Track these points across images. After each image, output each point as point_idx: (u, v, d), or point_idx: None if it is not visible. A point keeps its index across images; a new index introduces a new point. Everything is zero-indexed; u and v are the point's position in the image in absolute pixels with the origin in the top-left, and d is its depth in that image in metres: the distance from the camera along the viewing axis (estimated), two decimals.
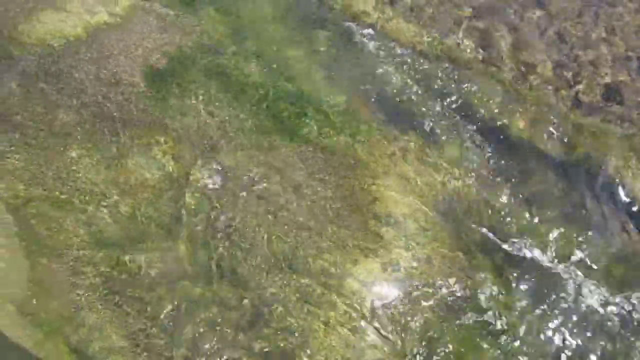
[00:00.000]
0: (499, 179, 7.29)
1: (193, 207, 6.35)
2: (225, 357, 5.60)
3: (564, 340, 6.09)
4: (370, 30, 8.08)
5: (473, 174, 7.26)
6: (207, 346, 5.62)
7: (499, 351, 5.96)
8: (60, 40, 7.29)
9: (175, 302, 5.88)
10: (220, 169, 6.59)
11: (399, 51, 7.95)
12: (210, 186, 6.48)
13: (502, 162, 7.40)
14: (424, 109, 7.60)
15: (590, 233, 6.86)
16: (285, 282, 6.06)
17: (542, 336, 6.09)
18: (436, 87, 7.81)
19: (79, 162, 6.46)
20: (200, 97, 7.08)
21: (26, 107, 6.79)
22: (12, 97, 6.85)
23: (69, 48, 7.26)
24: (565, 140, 7.65)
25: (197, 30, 7.64)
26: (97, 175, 6.39)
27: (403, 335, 5.90)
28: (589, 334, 6.12)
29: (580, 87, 7.98)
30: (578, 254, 6.79)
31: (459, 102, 7.75)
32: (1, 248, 5.85)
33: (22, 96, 6.88)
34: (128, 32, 7.52)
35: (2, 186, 6.22)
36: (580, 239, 6.81)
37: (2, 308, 5.59)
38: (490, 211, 7.04)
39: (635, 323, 6.22)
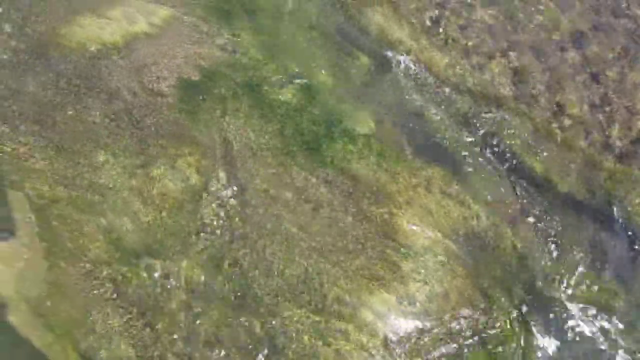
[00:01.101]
0: (522, 217, 7.18)
1: (211, 222, 6.34)
2: None
3: None
4: (404, 59, 8.07)
5: (496, 210, 7.15)
6: None
7: None
8: (98, 46, 7.41)
9: (185, 317, 5.85)
10: (242, 186, 6.58)
11: (431, 81, 7.92)
12: (231, 202, 6.47)
13: (527, 200, 7.29)
14: (451, 141, 7.54)
15: (610, 277, 6.72)
16: (298, 306, 5.99)
17: None
18: (466, 120, 7.74)
19: (105, 167, 6.50)
20: (229, 113, 7.11)
21: (59, 109, 6.88)
22: (46, 97, 6.95)
23: (106, 54, 7.37)
24: (592, 183, 7.51)
25: (232, 46, 7.70)
26: (121, 182, 6.43)
27: None
28: None
29: (612, 131, 7.84)
30: (598, 299, 6.65)
31: (488, 137, 7.67)
32: (22, 246, 5.89)
33: (56, 97, 6.98)
34: (164, 43, 7.61)
35: (29, 185, 6.29)
36: (603, 284, 6.66)
37: (17, 306, 5.61)
38: (511, 249, 6.92)
39: None
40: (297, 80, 7.57)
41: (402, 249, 6.47)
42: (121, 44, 7.51)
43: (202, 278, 6.05)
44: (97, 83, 7.14)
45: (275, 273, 6.16)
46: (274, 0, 8.38)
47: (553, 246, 6.96)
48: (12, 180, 6.28)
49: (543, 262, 6.88)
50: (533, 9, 8.98)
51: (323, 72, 7.74)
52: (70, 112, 6.87)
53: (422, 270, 6.40)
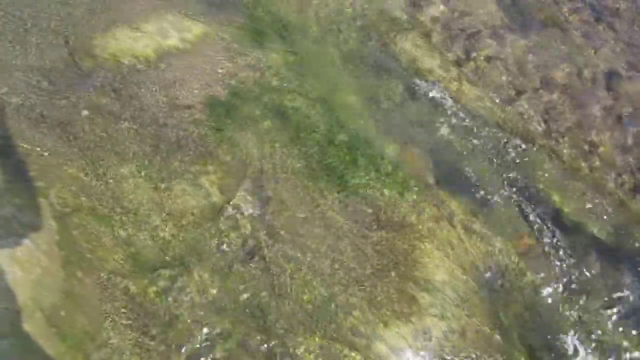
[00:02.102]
0: (545, 257, 7.01)
1: (231, 241, 6.31)
2: None
3: None
4: (432, 88, 8.02)
5: (519, 248, 7.01)
6: None
7: None
8: (131, 58, 7.50)
9: (199, 335, 5.79)
10: (263, 207, 6.56)
11: (459, 113, 7.84)
12: (251, 223, 6.44)
13: (552, 240, 7.12)
14: (476, 174, 7.43)
15: (634, 328, 6.51)
16: (311, 332, 5.90)
17: None
18: (492, 154, 7.64)
19: (129, 180, 6.53)
20: (255, 133, 7.11)
21: (88, 119, 6.95)
22: (76, 107, 7.03)
23: (137, 67, 7.46)
24: (620, 227, 7.33)
25: (262, 66, 7.73)
26: (143, 196, 6.44)
27: None
28: None
29: None
30: (619, 348, 6.44)
31: (514, 172, 7.55)
32: (41, 254, 5.91)
33: (85, 107, 7.06)
34: (195, 59, 7.68)
35: (53, 192, 6.32)
36: (624, 333, 6.45)
37: (32, 314, 5.60)
38: (533, 292, 6.75)
39: None
40: (325, 103, 7.56)
41: (421, 282, 6.35)
42: (153, 58, 7.59)
43: (218, 297, 6.00)
44: (127, 95, 7.21)
45: (291, 297, 6.08)
46: (306, 23, 8.42)
47: (576, 290, 6.77)
48: (37, 186, 6.33)
49: (564, 306, 6.70)
50: (564, 45, 8.89)
51: (351, 96, 7.72)
52: (98, 123, 6.94)
53: (440, 305, 6.27)
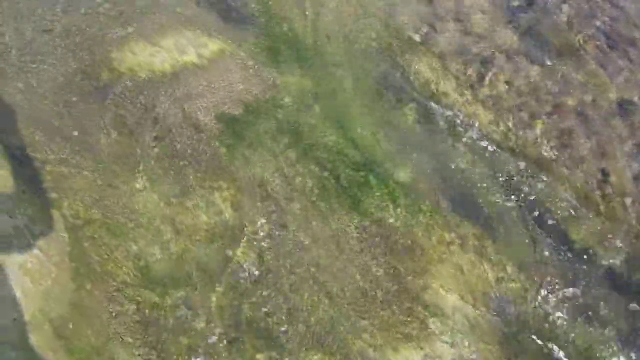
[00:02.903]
0: (557, 286, 6.93)
1: (241, 259, 6.28)
2: None
3: None
4: (447, 112, 8.01)
5: (531, 275, 6.93)
6: None
7: None
8: (148, 73, 7.55)
9: (206, 354, 5.75)
10: (275, 226, 6.54)
11: (473, 137, 7.82)
12: (263, 242, 6.42)
13: (563, 268, 7.05)
14: (489, 199, 7.39)
15: None
16: (321, 354, 5.85)
17: None
18: (505, 179, 7.60)
19: (142, 194, 6.54)
20: (268, 151, 7.12)
21: (103, 131, 6.99)
22: (92, 119, 7.08)
23: (154, 82, 7.51)
24: (632, 258, 7.25)
25: (277, 85, 7.77)
26: (156, 210, 6.45)
27: None
28: None
29: None
30: None
31: (527, 199, 7.50)
32: (52, 265, 5.90)
33: (102, 120, 7.10)
34: (211, 76, 7.73)
35: (66, 204, 6.34)
36: None
37: (40, 326, 5.59)
38: (543, 320, 6.67)
39: None
40: (339, 124, 7.57)
41: (431, 307, 6.29)
42: (170, 73, 7.64)
43: (227, 315, 5.97)
44: (142, 109, 7.25)
45: (301, 319, 6.03)
46: (321, 43, 8.45)
47: (587, 320, 6.68)
48: (51, 197, 6.35)
49: (575, 336, 6.60)
50: (580, 72, 8.88)
51: (365, 117, 7.73)
52: (113, 136, 6.98)
53: (450, 332, 6.20)
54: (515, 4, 9.58)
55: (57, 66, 7.43)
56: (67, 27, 7.77)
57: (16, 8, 7.78)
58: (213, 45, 8.05)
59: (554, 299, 6.75)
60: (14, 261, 5.83)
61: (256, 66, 7.95)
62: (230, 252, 6.31)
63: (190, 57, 7.86)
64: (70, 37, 7.69)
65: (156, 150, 6.91)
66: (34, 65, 7.39)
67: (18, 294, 5.70)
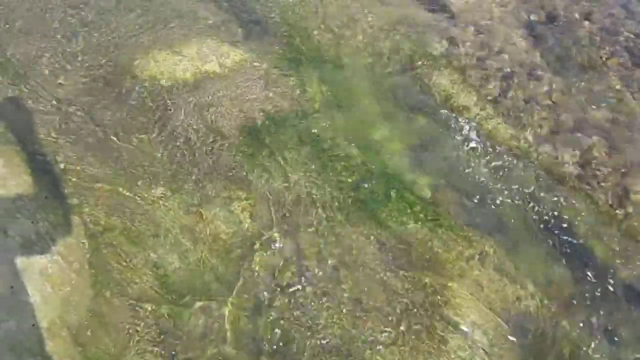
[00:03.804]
0: (578, 303, 6.81)
1: (259, 271, 6.26)
2: None
3: None
4: (467, 125, 7.97)
5: (551, 293, 6.82)
6: None
7: None
8: (169, 80, 7.61)
9: None
10: (294, 237, 6.51)
11: (494, 151, 7.76)
12: (281, 253, 6.39)
13: (586, 287, 6.93)
14: (510, 214, 7.30)
15: None
16: None
17: None
18: (526, 194, 7.51)
19: (161, 202, 6.56)
20: (289, 161, 7.12)
21: (125, 138, 7.03)
22: (115, 125, 7.13)
23: (176, 89, 7.56)
24: None
25: (298, 94, 7.78)
26: (175, 219, 6.45)
27: None
28: None
29: None
30: None
31: (547, 215, 7.41)
32: (72, 272, 5.92)
33: (124, 127, 7.15)
34: (232, 85, 7.76)
35: (87, 210, 6.37)
36: None
37: (58, 332, 5.59)
38: (564, 337, 6.55)
39: None
40: (359, 135, 7.55)
41: (450, 323, 6.21)
42: (191, 82, 7.69)
43: (245, 326, 5.93)
44: (164, 118, 7.30)
45: (318, 331, 5.98)
46: (342, 54, 8.47)
47: (612, 339, 6.56)
48: (72, 203, 6.39)
49: (597, 357, 6.47)
50: (601, 88, 8.81)
51: (385, 130, 7.70)
52: (135, 143, 7.01)
53: (470, 349, 6.11)
54: (536, 19, 9.54)
55: (79, 72, 7.50)
56: (91, 34, 7.86)
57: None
58: (235, 55, 8.09)
59: (575, 318, 6.63)
60: (35, 266, 5.86)
61: (278, 76, 7.97)
62: (248, 262, 6.28)
63: (213, 65, 7.91)
64: (94, 44, 7.77)
65: (176, 159, 6.93)
66: (55, 72, 7.47)
67: (38, 299, 5.71)
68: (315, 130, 7.51)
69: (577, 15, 9.52)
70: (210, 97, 7.61)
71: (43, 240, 6.02)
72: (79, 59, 7.60)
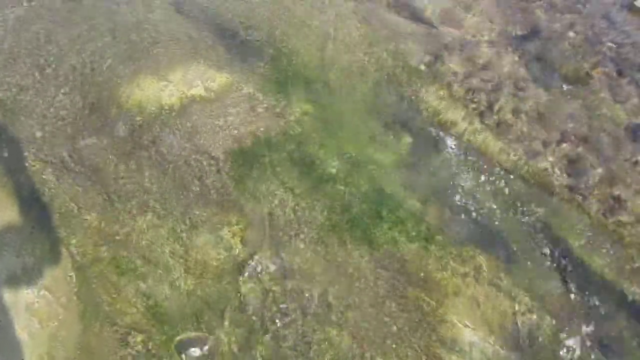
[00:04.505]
0: (576, 317, 6.75)
1: (252, 297, 6.15)
2: None
3: None
4: (456, 141, 7.95)
5: (548, 307, 6.75)
6: None
7: None
8: (156, 107, 7.55)
9: None
10: (286, 261, 6.42)
11: (483, 166, 7.74)
12: (273, 277, 6.30)
13: (581, 299, 6.87)
14: (502, 229, 7.26)
15: None
16: None
17: None
18: (518, 208, 7.48)
19: (151, 230, 6.46)
20: (279, 184, 7.05)
21: (111, 167, 6.95)
22: (100, 154, 7.05)
23: (162, 116, 7.50)
24: None
25: (285, 116, 7.74)
26: (165, 247, 6.35)
27: None
28: None
29: None
30: None
31: (541, 228, 7.37)
32: (59, 306, 5.79)
33: (109, 155, 7.07)
34: (219, 109, 7.71)
35: (74, 242, 6.27)
36: None
37: None
38: (563, 352, 6.47)
39: None
40: (348, 155, 7.50)
41: (447, 342, 6.12)
42: (177, 107, 7.64)
43: (238, 354, 5.81)
44: (151, 144, 7.23)
45: (313, 356, 5.87)
46: (328, 74, 8.46)
47: (608, 350, 6.48)
48: (59, 235, 6.28)
49: None
50: (588, 98, 8.83)
51: (374, 149, 7.67)
52: (122, 171, 6.93)
53: None
54: (520, 32, 9.60)
55: (66, 102, 7.44)
56: (76, 63, 7.81)
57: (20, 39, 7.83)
58: (221, 78, 8.05)
59: (573, 332, 6.56)
60: (21, 302, 5.73)
61: (264, 98, 7.93)
62: (240, 289, 6.18)
63: (199, 90, 7.86)
64: (79, 73, 7.71)
65: (164, 185, 6.85)
66: (43, 103, 7.40)
67: (25, 335, 5.58)
68: (304, 151, 7.46)
69: (560, 28, 9.59)
70: (197, 121, 7.55)
71: (29, 275, 5.91)
72: (62, 90, 7.54)
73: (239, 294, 6.14)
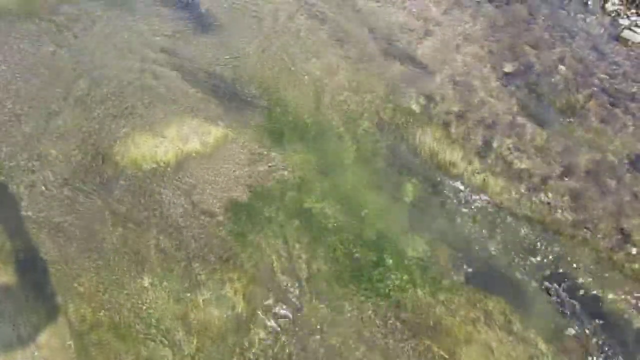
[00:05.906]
0: (592, 357, 6.52)
1: (257, 355, 5.94)
2: None
3: None
4: (456, 182, 7.88)
5: (563, 349, 6.53)
6: None
7: None
8: (151, 164, 7.51)
9: None
10: (290, 317, 6.24)
11: (485, 206, 7.64)
12: (278, 334, 6.10)
13: (597, 337, 6.65)
14: (510, 270, 7.10)
15: None
16: None
17: None
18: (523, 247, 7.34)
19: (150, 292, 6.30)
20: (279, 236, 6.93)
21: (108, 228, 6.84)
22: (97, 216, 6.95)
23: (158, 173, 7.44)
24: None
25: (282, 167, 7.69)
26: (165, 309, 6.18)
27: None
28: None
29: None
30: None
31: (548, 266, 7.21)
32: None
33: (106, 216, 6.96)
34: (215, 163, 7.67)
35: (72, 309, 6.10)
36: None
37: None
38: None
39: None
40: (348, 203, 7.41)
41: None
42: (173, 163, 7.59)
43: None
44: (148, 202, 7.14)
45: None
46: (323, 121, 8.46)
47: None
48: (56, 302, 6.11)
49: None
50: (584, 131, 8.82)
51: (373, 194, 7.58)
52: (118, 232, 6.82)
53: None
54: (512, 68, 9.67)
55: (60, 162, 7.39)
56: (71, 122, 7.81)
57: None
58: (216, 132, 8.04)
59: None
60: None
61: (260, 149, 7.90)
62: (245, 349, 5.97)
63: (194, 145, 7.83)
64: (74, 132, 7.70)
65: (162, 244, 6.72)
66: (37, 164, 7.35)
67: None
68: (303, 202, 7.37)
69: (550, 62, 9.67)
70: (194, 177, 7.49)
71: (26, 346, 5.71)
72: (57, 147, 7.51)
73: (245, 355, 5.92)
